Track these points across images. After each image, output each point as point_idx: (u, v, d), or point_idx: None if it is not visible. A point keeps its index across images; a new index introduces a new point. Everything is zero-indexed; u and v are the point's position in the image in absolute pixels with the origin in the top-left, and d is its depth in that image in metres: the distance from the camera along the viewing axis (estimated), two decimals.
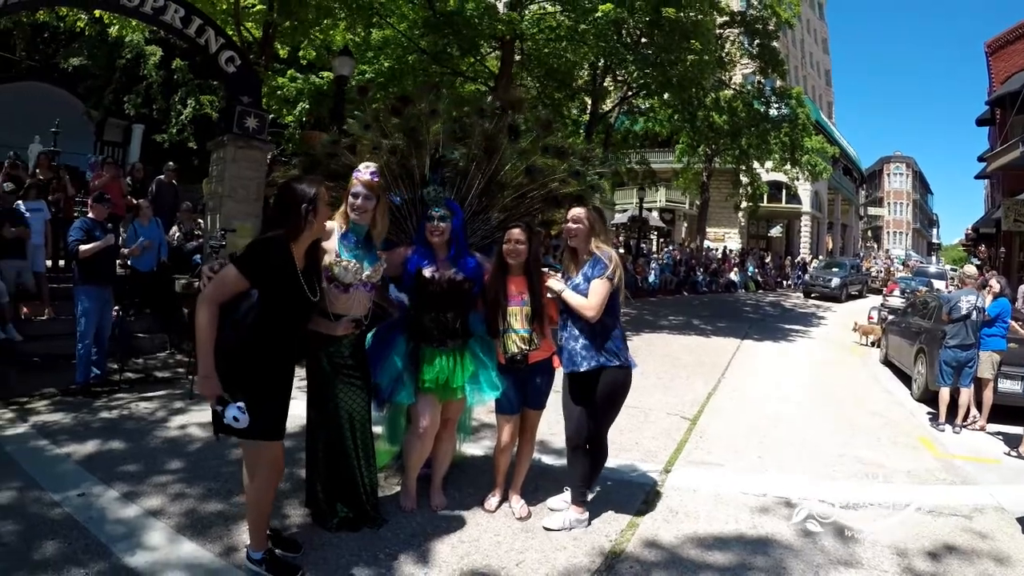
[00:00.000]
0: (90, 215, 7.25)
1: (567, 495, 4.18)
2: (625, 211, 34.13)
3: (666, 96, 19.23)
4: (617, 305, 3.95)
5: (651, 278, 22.65)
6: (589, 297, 3.77)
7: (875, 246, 64.99)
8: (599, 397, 3.88)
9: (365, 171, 3.61)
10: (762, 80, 22.88)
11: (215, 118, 19.06)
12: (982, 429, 7.53)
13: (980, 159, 23.55)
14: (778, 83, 23.21)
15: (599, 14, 14.15)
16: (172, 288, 9.29)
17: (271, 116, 13.05)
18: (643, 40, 17.13)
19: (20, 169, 10.71)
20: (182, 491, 4.22)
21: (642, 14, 14.97)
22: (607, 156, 20.57)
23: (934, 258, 57.36)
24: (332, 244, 3.53)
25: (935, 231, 76.58)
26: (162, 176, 11.56)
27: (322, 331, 3.54)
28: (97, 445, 5.10)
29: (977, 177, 26.44)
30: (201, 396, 4.05)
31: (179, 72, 20.20)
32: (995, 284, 7.90)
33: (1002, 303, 7.73)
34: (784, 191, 38.63)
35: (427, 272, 3.82)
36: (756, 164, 25.80)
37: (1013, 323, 7.96)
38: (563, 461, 4.23)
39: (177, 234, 10.69)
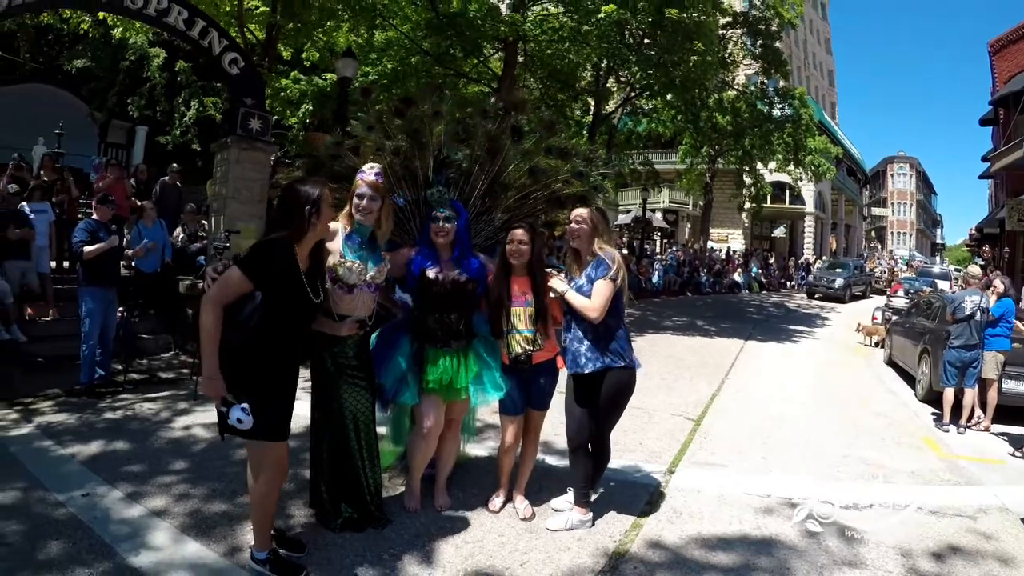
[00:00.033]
0: (94, 216, 7.27)
1: (570, 496, 4.18)
2: (629, 212, 34.12)
3: (669, 97, 19.22)
4: (621, 306, 3.94)
5: (655, 279, 22.64)
6: (592, 298, 3.77)
7: (879, 246, 64.91)
8: (603, 398, 3.88)
9: (370, 172, 3.62)
10: (765, 81, 22.86)
11: (219, 120, 19.13)
12: (986, 430, 7.52)
13: (984, 159, 23.52)
14: (781, 83, 23.18)
15: (602, 15, 14.15)
16: (176, 289, 9.31)
17: (275, 118, 13.07)
18: (646, 41, 17.15)
19: (24, 171, 10.71)
20: (186, 491, 4.23)
21: (645, 15, 14.99)
22: (610, 157, 20.56)
23: (938, 258, 57.37)
24: (336, 245, 3.53)
25: (939, 231, 76.65)
26: (166, 178, 11.57)
27: (326, 332, 3.55)
28: (101, 445, 5.11)
29: (981, 177, 26.41)
30: (205, 397, 4.06)
31: (183, 74, 20.27)
32: (999, 284, 7.88)
33: (1006, 303, 7.71)
34: (787, 192, 38.59)
35: (431, 273, 3.82)
36: (759, 165, 25.75)
37: (1017, 323, 7.96)
38: (567, 462, 4.22)
39: (181, 235, 10.72)
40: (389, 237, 3.86)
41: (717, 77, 18.92)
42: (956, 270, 31.08)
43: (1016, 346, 7.82)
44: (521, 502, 4.18)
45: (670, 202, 38.47)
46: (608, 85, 20.47)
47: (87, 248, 6.83)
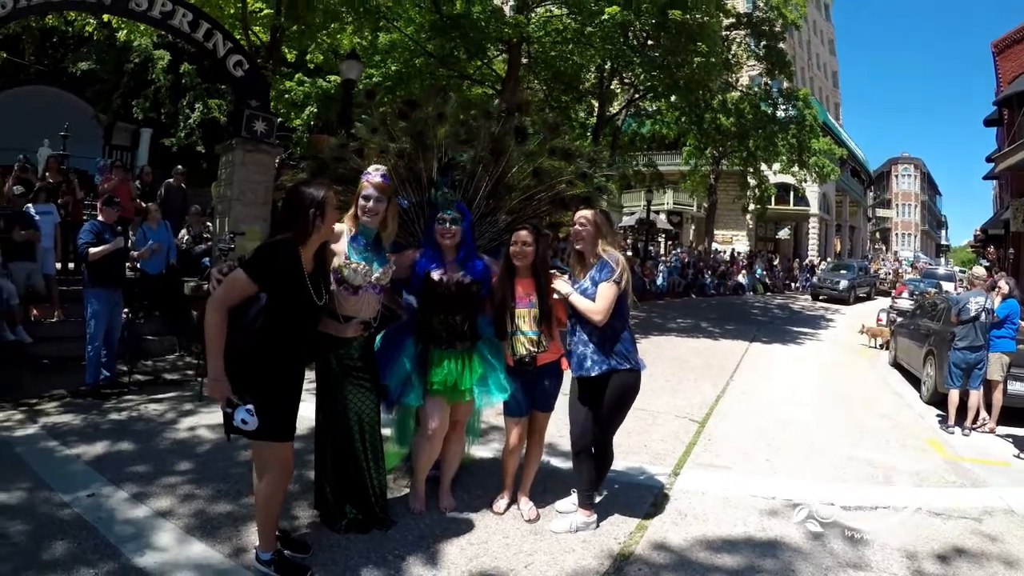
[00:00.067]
0: (100, 218, 7.28)
1: (575, 498, 4.17)
2: (632, 214, 34.08)
3: (673, 98, 19.25)
4: (625, 308, 3.95)
5: (659, 281, 22.62)
6: (596, 301, 3.77)
7: (883, 248, 64.79)
8: (608, 400, 3.88)
9: (375, 173, 3.62)
10: (769, 82, 22.83)
11: (223, 122, 19.16)
12: (991, 431, 7.50)
13: (988, 160, 23.44)
14: (785, 85, 23.14)
15: (605, 17, 14.16)
16: (181, 291, 9.33)
17: (279, 120, 13.10)
18: (649, 42, 17.15)
19: (30, 172, 10.77)
20: (191, 492, 4.24)
21: (648, 16, 14.98)
22: (614, 158, 20.57)
23: (943, 260, 57.28)
24: (341, 246, 3.54)
25: (944, 233, 76.51)
26: (171, 179, 11.61)
27: (331, 333, 3.55)
28: (106, 446, 5.12)
29: (985, 178, 26.34)
30: (210, 398, 4.07)
31: (187, 76, 20.30)
32: (1004, 285, 7.87)
33: (1011, 304, 7.70)
34: (792, 193, 38.56)
35: (435, 275, 3.83)
36: (763, 166, 25.71)
37: (1023, 324, 7.93)
38: (571, 464, 4.22)
39: (186, 237, 10.75)
40: (394, 239, 3.86)
41: (721, 78, 18.94)
42: (961, 271, 31.01)
43: (1021, 347, 7.79)
44: (526, 504, 4.18)
45: (674, 204, 38.46)
46: (612, 87, 20.48)
47: (92, 249, 6.85)
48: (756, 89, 23.08)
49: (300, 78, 17.32)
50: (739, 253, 33.07)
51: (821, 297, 25.71)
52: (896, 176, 76.47)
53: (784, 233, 42.95)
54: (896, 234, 74.08)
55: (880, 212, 69.91)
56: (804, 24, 27.62)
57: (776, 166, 25.30)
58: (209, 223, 11.18)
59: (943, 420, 7.76)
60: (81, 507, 3.94)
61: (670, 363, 10.17)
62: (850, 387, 10.00)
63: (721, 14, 18.20)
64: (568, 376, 4.09)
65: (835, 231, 48.23)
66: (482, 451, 5.26)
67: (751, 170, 26.05)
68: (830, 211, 46.08)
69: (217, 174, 10.53)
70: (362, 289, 3.56)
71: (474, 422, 4.66)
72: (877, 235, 69.11)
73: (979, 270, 9.10)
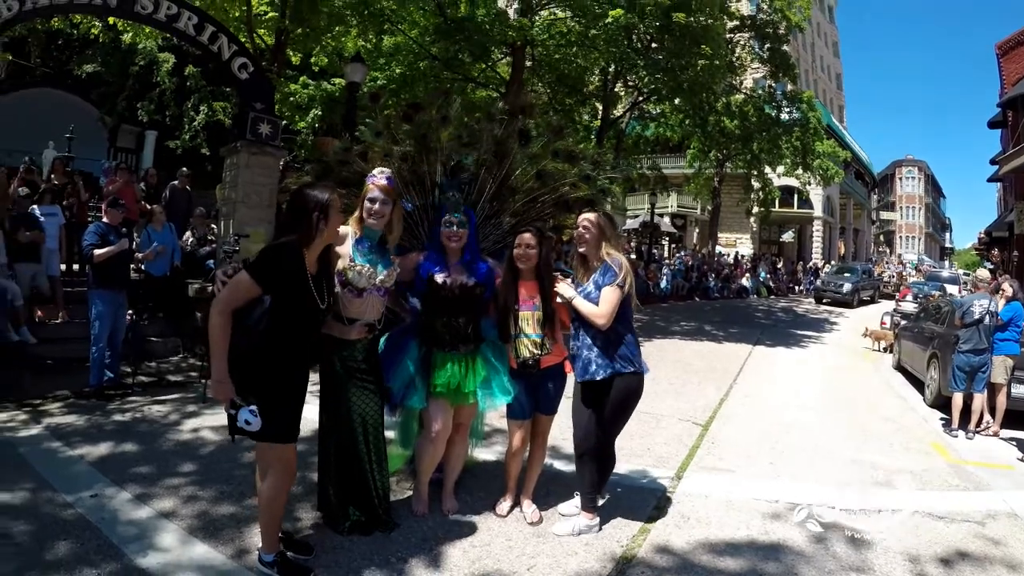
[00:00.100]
0: (104, 220, 7.31)
1: (578, 500, 4.16)
2: (636, 217, 34.10)
3: (677, 101, 19.26)
4: (629, 311, 3.94)
5: (663, 284, 22.62)
6: (600, 305, 3.77)
7: (887, 251, 64.65)
8: (612, 403, 3.88)
9: (381, 176, 3.63)
10: (773, 84, 22.85)
11: (228, 124, 19.19)
12: (995, 435, 7.48)
13: (992, 162, 23.42)
14: (789, 87, 23.16)
15: (609, 20, 14.19)
16: (185, 293, 9.34)
17: (284, 122, 13.11)
18: (653, 45, 17.16)
19: (35, 174, 10.81)
20: (194, 493, 4.25)
21: (652, 19, 14.99)
22: (618, 161, 20.57)
23: (947, 262, 57.11)
24: (346, 249, 3.55)
25: (948, 235, 76.18)
26: (176, 182, 11.64)
27: (336, 335, 3.56)
28: (110, 447, 5.13)
29: (990, 180, 26.31)
30: (214, 400, 4.07)
31: (192, 79, 20.37)
32: (1008, 288, 7.85)
33: (1015, 307, 7.68)
34: (796, 196, 38.50)
35: (439, 278, 3.83)
36: (767, 169, 25.72)
37: None
38: (574, 466, 4.22)
39: (190, 239, 10.78)
40: (397, 241, 3.87)
41: (725, 81, 18.94)
42: (965, 274, 30.92)
43: None
44: (529, 506, 4.18)
45: (678, 207, 38.48)
46: (616, 89, 20.49)
47: (97, 251, 6.87)
48: (760, 92, 23.12)
49: (304, 81, 17.35)
50: (743, 256, 33.01)
51: (825, 300, 25.65)
52: (900, 179, 76.30)
53: (788, 236, 42.90)
54: (900, 237, 73.90)
55: (884, 215, 69.76)
56: (808, 26, 27.63)
57: (780, 169, 25.30)
58: (213, 225, 11.20)
59: (947, 423, 7.73)
60: (84, 507, 3.95)
61: (674, 366, 10.16)
62: (854, 390, 9.99)
63: (725, 17, 18.22)
64: (571, 379, 4.09)
65: (839, 234, 48.15)
66: (485, 454, 5.26)
67: (755, 173, 26.07)
68: (834, 214, 46.04)
69: (221, 176, 10.55)
70: (366, 291, 3.57)
71: (477, 425, 4.66)
72: (881, 238, 68.97)
73: (983, 273, 9.09)
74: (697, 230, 40.22)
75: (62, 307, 8.52)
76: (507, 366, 3.99)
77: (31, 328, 7.75)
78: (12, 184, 9.33)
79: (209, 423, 5.80)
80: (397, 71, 16.46)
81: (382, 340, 3.97)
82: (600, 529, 4.02)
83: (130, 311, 7.89)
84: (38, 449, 5.08)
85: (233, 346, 3.05)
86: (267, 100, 10.02)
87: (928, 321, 10.69)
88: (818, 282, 28.10)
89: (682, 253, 29.90)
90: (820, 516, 4.52)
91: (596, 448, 3.98)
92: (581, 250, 3.98)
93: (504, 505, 4.19)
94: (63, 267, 9.37)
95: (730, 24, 19.86)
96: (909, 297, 20.63)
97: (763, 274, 29.77)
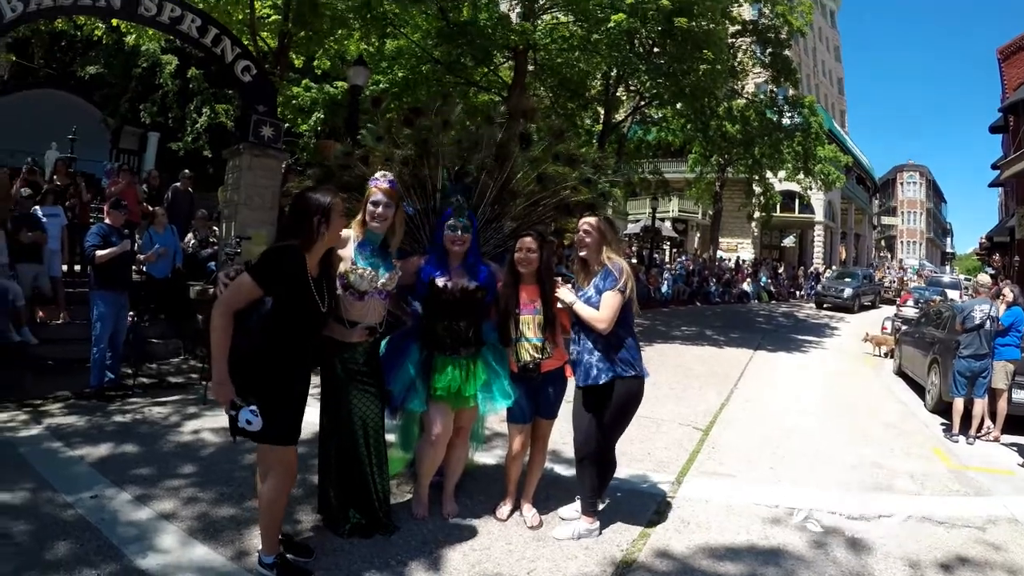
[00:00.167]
0: (107, 221, 7.32)
1: (578, 505, 4.16)
2: (638, 221, 34.11)
3: (679, 106, 19.26)
4: (630, 316, 3.94)
5: (664, 288, 22.59)
6: (601, 310, 3.77)
7: (888, 256, 64.67)
8: (612, 407, 3.87)
9: (383, 179, 3.65)
10: (774, 89, 22.87)
11: (230, 127, 19.21)
12: (996, 440, 7.47)
13: (994, 167, 23.42)
14: (790, 92, 23.17)
15: (611, 24, 14.19)
16: (186, 295, 9.36)
17: (286, 125, 13.14)
18: (656, 50, 17.18)
19: (37, 175, 10.82)
20: (195, 495, 4.25)
21: (654, 24, 15.00)
22: (619, 165, 20.57)
23: (948, 267, 57.10)
24: (348, 252, 3.56)
25: (949, 240, 76.30)
26: (178, 184, 11.65)
27: (337, 338, 3.57)
28: (110, 448, 5.13)
29: (991, 185, 26.29)
30: (215, 402, 4.07)
31: (194, 81, 20.39)
32: (1009, 293, 7.85)
33: (1016, 312, 7.67)
34: (797, 201, 38.51)
35: (440, 282, 3.83)
36: (769, 174, 25.74)
37: None
38: (575, 471, 4.22)
39: (192, 241, 10.79)
40: (399, 245, 3.88)
41: (726, 86, 18.97)
42: (966, 279, 30.90)
43: None
44: (529, 510, 4.18)
45: (679, 211, 38.47)
46: (618, 94, 20.50)
47: (99, 252, 6.88)
48: (762, 96, 23.13)
49: (307, 84, 17.37)
50: (744, 261, 33.03)
51: (825, 305, 25.65)
52: (901, 183, 76.35)
53: (789, 241, 42.91)
54: (901, 242, 73.93)
55: (885, 220, 69.76)
56: (809, 31, 27.64)
57: (781, 173, 25.30)
58: (215, 227, 11.21)
59: (947, 428, 7.73)
60: (84, 508, 3.95)
61: (674, 371, 10.16)
62: (854, 395, 9.98)
63: (727, 21, 18.20)
64: (572, 383, 4.09)
65: (840, 239, 48.17)
66: (485, 457, 5.26)
67: (756, 177, 26.08)
68: (835, 219, 46.04)
69: (224, 179, 10.57)
70: (368, 295, 3.57)
71: (478, 428, 4.66)
72: (882, 243, 68.97)
73: (984, 278, 9.08)
74: (698, 235, 40.22)
75: (63, 308, 8.52)
76: (508, 370, 3.98)
77: (32, 329, 7.76)
78: (15, 184, 9.35)
79: (210, 425, 5.80)
80: (399, 75, 16.47)
81: (383, 343, 3.97)
82: (600, 533, 4.02)
83: (131, 312, 7.90)
84: (38, 449, 5.09)
85: (234, 347, 3.05)
86: (270, 103, 10.03)
87: (929, 326, 10.70)
88: (819, 287, 28.07)
89: (683, 258, 29.88)
90: (820, 521, 4.53)
91: (597, 452, 3.98)
92: (582, 254, 3.98)
93: (504, 509, 4.19)
94: (65, 268, 9.38)
95: (732, 29, 19.84)
96: (910, 302, 20.58)
97: (764, 279, 29.76)
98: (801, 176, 24.57)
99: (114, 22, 12.83)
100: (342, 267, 3.50)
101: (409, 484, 4.47)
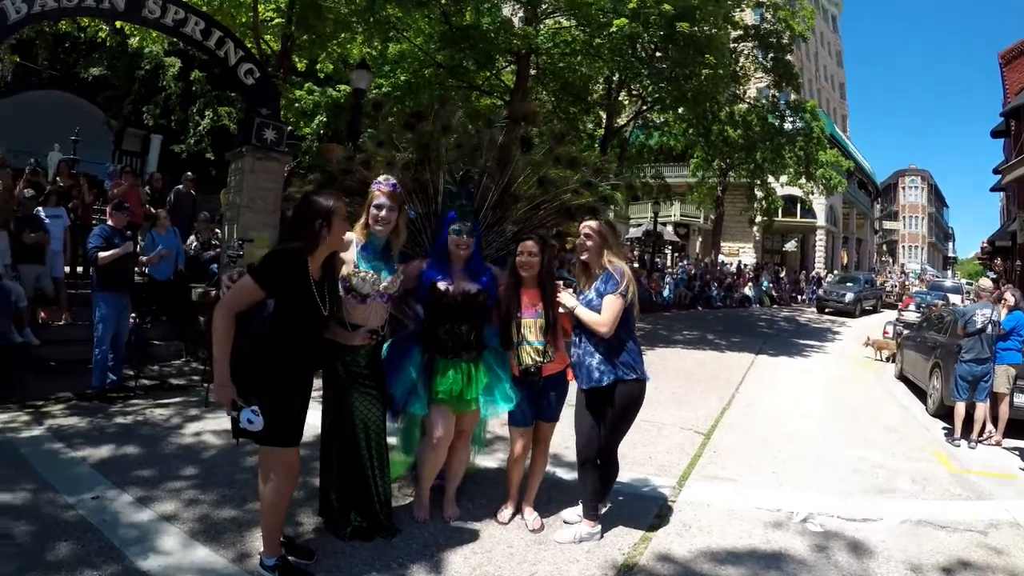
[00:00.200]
0: (109, 223, 7.33)
1: (579, 508, 4.16)
2: (639, 225, 34.13)
3: (681, 110, 19.25)
4: (631, 319, 3.94)
5: (665, 293, 22.60)
6: (602, 313, 3.76)
7: (890, 260, 64.64)
8: (613, 410, 3.87)
9: (386, 183, 3.65)
10: (776, 94, 22.86)
11: (233, 129, 19.24)
12: (998, 444, 7.46)
13: (995, 171, 23.43)
14: (792, 96, 23.18)
15: (614, 29, 14.20)
16: (188, 297, 9.37)
17: (289, 128, 13.15)
18: (658, 54, 17.17)
19: (40, 176, 10.85)
20: (196, 497, 4.25)
21: (656, 29, 15.00)
22: (621, 170, 20.58)
23: (950, 272, 57.04)
24: (351, 255, 3.57)
25: (951, 245, 76.27)
26: (180, 186, 11.66)
27: (339, 341, 3.58)
28: (112, 449, 5.14)
29: (992, 190, 26.31)
30: (216, 404, 4.08)
31: (197, 83, 20.39)
32: (1010, 297, 7.84)
33: (1017, 316, 7.67)
34: (799, 205, 38.45)
35: (442, 285, 3.84)
36: (771, 178, 25.74)
37: None
38: (576, 474, 4.22)
39: (194, 243, 10.79)
40: (401, 249, 3.88)
41: (728, 90, 18.93)
42: (968, 283, 30.88)
43: None
44: (530, 514, 4.17)
45: (681, 215, 38.45)
46: (620, 98, 20.50)
47: (102, 254, 6.89)
48: (764, 101, 23.12)
49: (310, 87, 17.39)
50: (746, 265, 33.02)
51: (827, 310, 25.64)
52: (903, 188, 76.37)
53: (791, 245, 42.87)
54: (903, 246, 73.91)
55: (887, 224, 69.72)
56: (812, 36, 27.61)
57: (783, 178, 25.29)
58: (218, 230, 11.22)
59: (949, 433, 7.72)
60: (86, 509, 3.95)
61: (676, 375, 10.16)
62: (856, 400, 9.97)
63: (729, 26, 18.24)
64: (573, 386, 4.09)
65: (842, 243, 48.15)
66: (487, 461, 5.26)
67: (758, 182, 26.08)
68: (837, 223, 46.02)
69: (226, 181, 10.58)
70: (370, 298, 3.58)
71: (479, 432, 4.67)
72: (884, 247, 68.95)
73: (986, 282, 9.08)
74: (700, 239, 40.20)
75: (65, 309, 8.54)
76: (509, 373, 3.99)
77: (34, 329, 7.77)
78: (17, 185, 9.37)
79: (211, 427, 5.81)
80: (402, 78, 16.49)
81: (385, 346, 3.97)
82: (602, 537, 4.01)
83: (133, 314, 7.91)
84: (40, 450, 5.09)
85: (236, 349, 3.06)
86: (273, 106, 10.05)
87: (930, 331, 10.69)
88: (820, 291, 28.04)
89: (685, 262, 29.87)
90: (822, 525, 4.52)
91: (598, 455, 3.98)
92: (583, 258, 3.98)
93: (506, 512, 4.19)
94: (67, 269, 9.40)
95: (734, 34, 19.87)
96: (912, 307, 20.60)
97: (766, 283, 29.77)
98: (803, 181, 24.56)
99: (118, 24, 12.87)
100: (344, 270, 3.51)
101: (410, 487, 4.47)
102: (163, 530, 3.75)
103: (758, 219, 30.52)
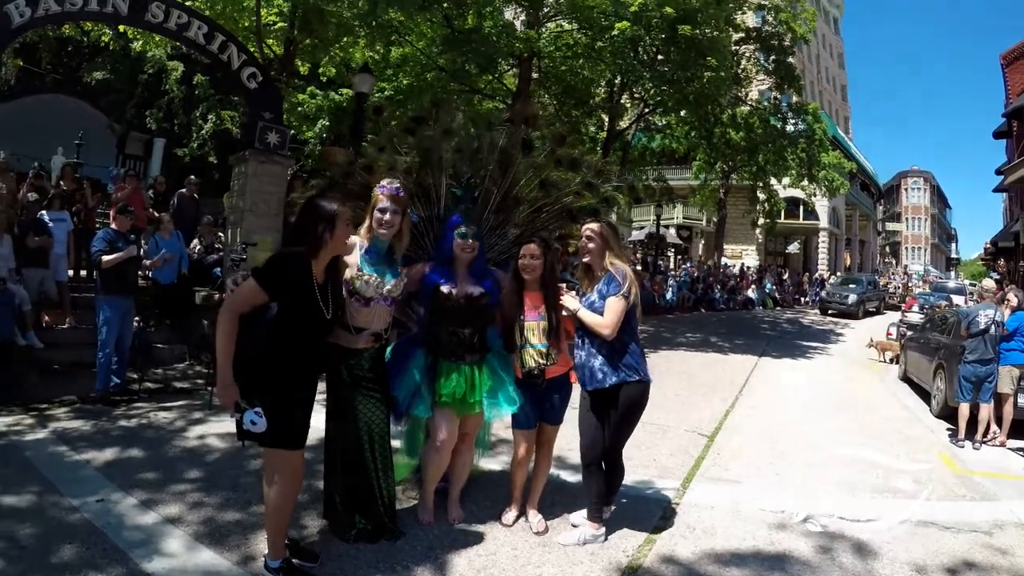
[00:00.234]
0: (113, 226, 7.34)
1: (584, 510, 4.16)
2: (642, 228, 34.12)
3: (683, 113, 19.29)
4: (634, 321, 3.94)
5: (668, 295, 22.57)
6: (605, 315, 3.77)
7: (893, 262, 64.53)
8: (617, 412, 3.87)
9: (389, 186, 3.66)
10: (778, 96, 22.84)
11: (236, 133, 19.31)
12: (1002, 445, 7.45)
13: (998, 172, 23.40)
14: (794, 99, 23.15)
15: (616, 32, 14.21)
16: (192, 300, 9.38)
17: (291, 132, 13.19)
18: (659, 57, 17.17)
19: (44, 180, 10.89)
20: (200, 500, 4.26)
21: (658, 31, 15.02)
22: (624, 172, 20.58)
23: (953, 273, 56.93)
24: (354, 259, 3.57)
25: (954, 246, 76.17)
26: (183, 190, 11.69)
27: (343, 344, 3.57)
28: (116, 452, 5.15)
29: (995, 190, 26.27)
30: (220, 407, 4.09)
31: (200, 87, 20.48)
32: (1013, 298, 7.83)
33: (1021, 317, 7.65)
34: (801, 207, 38.43)
35: (445, 288, 3.84)
36: (773, 180, 25.71)
37: None
38: (580, 476, 4.22)
39: (198, 247, 10.81)
40: (404, 252, 3.89)
41: (730, 93, 18.96)
42: (971, 284, 30.84)
43: None
44: (534, 516, 4.17)
45: (684, 218, 38.46)
46: (622, 101, 20.49)
47: (106, 257, 6.90)
48: (765, 103, 23.10)
49: (313, 91, 17.44)
50: (749, 267, 32.99)
51: (830, 311, 25.59)
52: (906, 189, 76.30)
53: (794, 247, 42.83)
54: (906, 248, 73.81)
55: (890, 226, 69.63)
56: (813, 38, 27.63)
57: (786, 180, 25.27)
58: (221, 233, 11.25)
59: (953, 434, 7.71)
60: (90, 512, 3.96)
61: (679, 377, 10.15)
62: (859, 401, 9.95)
63: (731, 29, 18.25)
64: (577, 388, 4.09)
65: (845, 245, 48.08)
66: (491, 463, 5.25)
67: (760, 184, 26.06)
68: (840, 225, 45.97)
69: (230, 185, 10.61)
70: (374, 301, 3.58)
71: (483, 434, 4.65)
72: (887, 249, 68.81)
73: (989, 283, 9.06)
74: (703, 241, 40.20)
75: (69, 312, 8.57)
76: (513, 376, 3.99)
77: (38, 333, 7.81)
78: (21, 189, 9.41)
79: (215, 430, 5.81)
80: (404, 82, 16.53)
81: (388, 349, 3.98)
82: (606, 539, 4.01)
83: (137, 318, 7.92)
84: (44, 453, 5.11)
85: (239, 352, 3.07)
86: (275, 109, 10.08)
87: (934, 332, 10.68)
88: (823, 293, 28.02)
89: (688, 264, 29.89)
90: (826, 526, 4.52)
91: (602, 457, 3.98)
92: (585, 260, 3.99)
93: (510, 515, 4.19)
94: (71, 273, 9.43)
95: (736, 36, 19.88)
96: (915, 308, 20.58)
97: (769, 285, 29.72)
98: (805, 183, 24.54)
99: (121, 28, 12.91)
100: (348, 273, 3.51)
101: (415, 490, 4.47)
102: (167, 533, 3.76)
103: (761, 221, 30.47)
